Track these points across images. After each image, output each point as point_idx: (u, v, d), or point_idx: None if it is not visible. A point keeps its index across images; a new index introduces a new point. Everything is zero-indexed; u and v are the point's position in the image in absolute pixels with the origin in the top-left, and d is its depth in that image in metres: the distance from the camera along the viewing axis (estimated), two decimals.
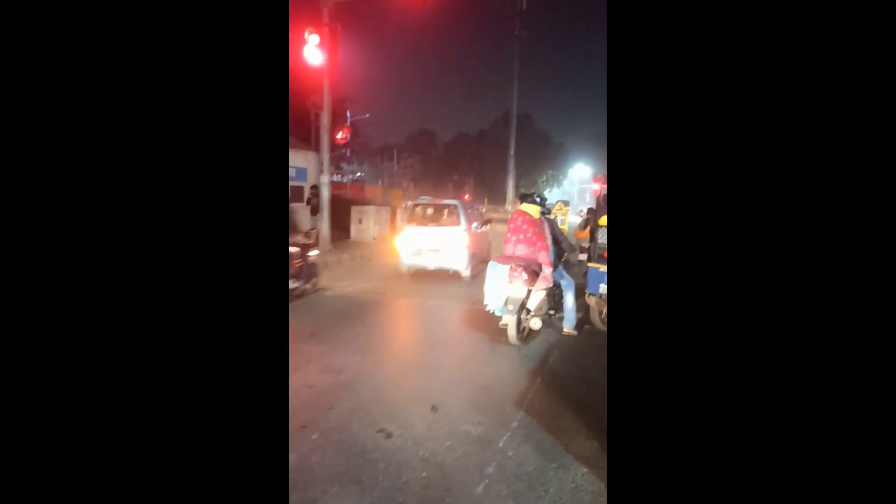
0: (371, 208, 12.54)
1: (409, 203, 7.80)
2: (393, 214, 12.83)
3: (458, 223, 6.68)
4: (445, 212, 7.04)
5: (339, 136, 10.14)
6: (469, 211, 7.21)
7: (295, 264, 4.98)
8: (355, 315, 4.61)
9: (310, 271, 5.38)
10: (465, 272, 6.60)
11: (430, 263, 6.68)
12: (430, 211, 7.32)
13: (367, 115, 28.99)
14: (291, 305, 4.64)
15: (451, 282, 6.60)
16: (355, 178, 34.93)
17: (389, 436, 2.26)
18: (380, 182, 35.62)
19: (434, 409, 2.56)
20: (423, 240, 6.70)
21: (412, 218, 7.22)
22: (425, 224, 6.97)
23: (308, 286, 5.36)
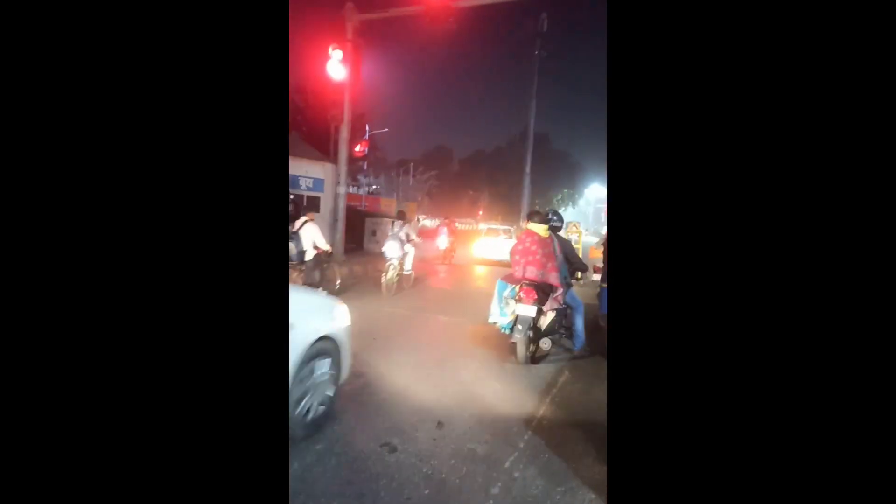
0: (386, 221, 12.62)
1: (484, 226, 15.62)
2: None
3: (511, 238, 12.26)
4: (503, 232, 13.75)
5: (357, 149, 10.30)
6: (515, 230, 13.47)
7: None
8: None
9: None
10: None
11: (495, 256, 12.27)
12: (494, 231, 14.21)
13: (386, 130, 29.48)
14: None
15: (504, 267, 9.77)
16: (371, 190, 35.34)
17: (394, 450, 2.23)
18: (395, 195, 36.00)
19: (440, 425, 2.52)
20: (492, 244, 12.81)
21: (486, 234, 13.99)
22: (492, 237, 13.46)
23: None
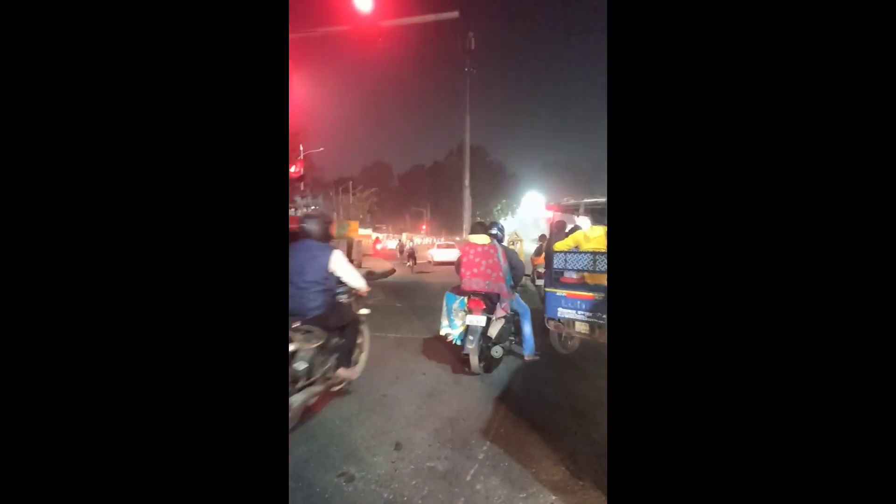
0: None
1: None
2: (350, 247, 12.60)
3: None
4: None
5: (293, 169, 9.99)
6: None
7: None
8: None
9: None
10: None
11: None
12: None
13: (322, 149, 28.90)
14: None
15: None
16: (310, 211, 34.39)
17: (352, 479, 2.15)
18: (335, 214, 35.25)
19: (398, 446, 2.47)
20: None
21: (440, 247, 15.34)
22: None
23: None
